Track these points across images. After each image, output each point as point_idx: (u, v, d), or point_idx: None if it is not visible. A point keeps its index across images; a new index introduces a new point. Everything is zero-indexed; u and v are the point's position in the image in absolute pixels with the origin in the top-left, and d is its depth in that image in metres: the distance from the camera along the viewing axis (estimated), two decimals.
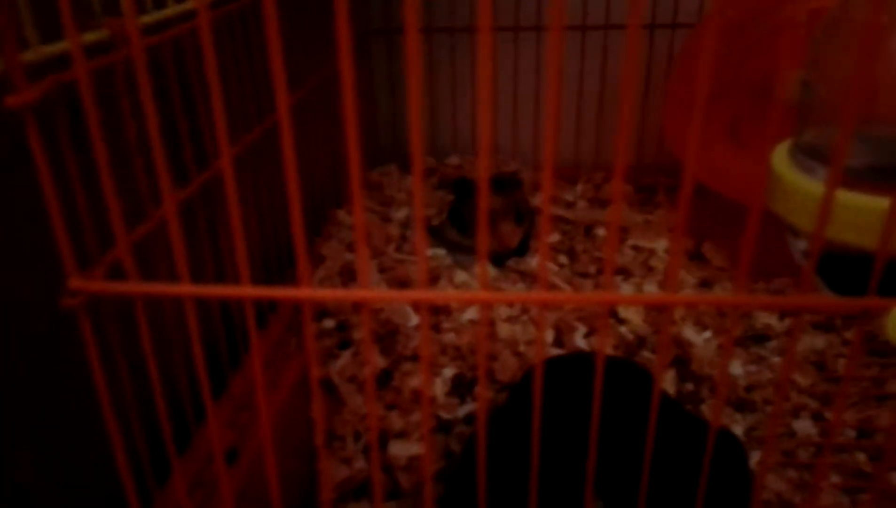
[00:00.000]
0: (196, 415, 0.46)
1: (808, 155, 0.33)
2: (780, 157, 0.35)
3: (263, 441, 0.30)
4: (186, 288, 0.28)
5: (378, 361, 0.59)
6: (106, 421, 0.30)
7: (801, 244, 0.34)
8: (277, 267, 0.63)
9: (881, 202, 0.29)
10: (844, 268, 0.34)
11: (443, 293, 0.28)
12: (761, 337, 0.74)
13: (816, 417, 0.65)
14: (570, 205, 0.88)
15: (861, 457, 0.60)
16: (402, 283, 0.67)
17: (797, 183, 0.32)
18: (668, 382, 0.64)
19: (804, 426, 0.64)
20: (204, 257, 0.50)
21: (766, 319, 0.75)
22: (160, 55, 0.42)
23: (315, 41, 0.72)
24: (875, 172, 0.32)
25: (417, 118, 0.23)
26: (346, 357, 0.59)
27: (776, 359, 0.71)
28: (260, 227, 0.59)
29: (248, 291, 0.28)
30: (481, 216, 0.26)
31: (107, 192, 0.27)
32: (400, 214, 0.80)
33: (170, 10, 0.44)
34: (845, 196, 0.30)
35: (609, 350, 0.65)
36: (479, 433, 0.30)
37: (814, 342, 0.73)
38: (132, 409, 0.38)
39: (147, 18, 0.40)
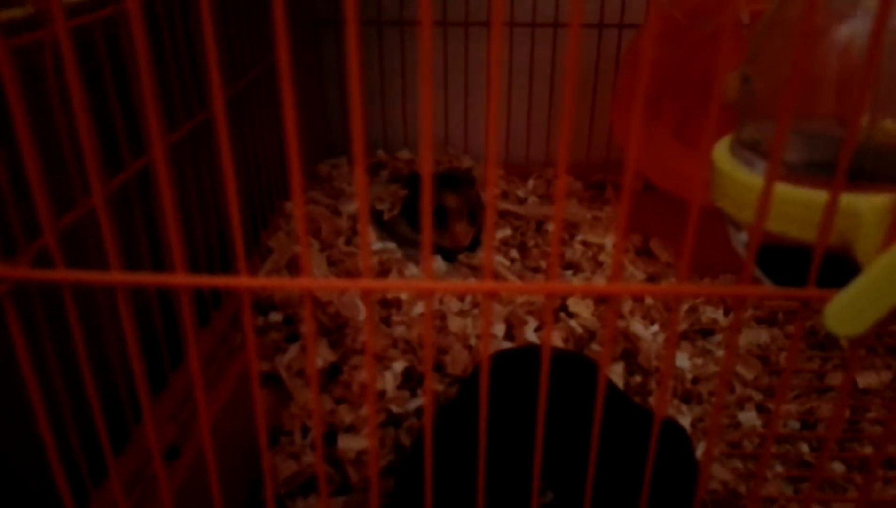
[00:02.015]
0: (135, 411, 0.45)
1: (748, 149, 0.33)
2: (721, 151, 0.35)
3: (203, 438, 0.29)
4: (117, 276, 0.26)
5: (327, 354, 0.58)
6: (36, 417, 0.28)
7: (743, 237, 0.35)
8: (223, 263, 0.61)
9: (819, 196, 0.29)
10: (785, 261, 0.34)
11: (386, 282, 0.27)
12: (707, 331, 0.76)
13: (760, 409, 0.66)
14: (521, 201, 0.89)
15: (804, 447, 0.62)
16: (352, 275, 0.66)
17: (737, 176, 0.32)
18: (616, 375, 0.65)
19: (749, 417, 0.65)
20: (140, 249, 0.48)
21: (712, 313, 0.77)
22: (92, 36, 0.40)
23: (259, 29, 0.70)
24: (812, 167, 0.33)
25: (358, 107, 0.23)
26: (293, 351, 0.58)
27: (721, 352, 0.72)
28: (203, 219, 0.58)
29: (183, 279, 0.27)
30: (426, 208, 0.25)
31: (32, 177, 0.26)
32: (350, 207, 0.79)
33: None
34: (784, 189, 0.30)
35: (559, 343, 0.65)
36: (426, 427, 0.29)
37: (758, 336, 0.75)
38: (64, 404, 0.36)
39: None
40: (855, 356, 0.30)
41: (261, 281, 0.27)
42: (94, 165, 0.25)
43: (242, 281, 0.26)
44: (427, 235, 0.26)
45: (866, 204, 0.28)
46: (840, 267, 0.30)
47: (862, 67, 0.34)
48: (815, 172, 0.32)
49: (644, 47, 0.23)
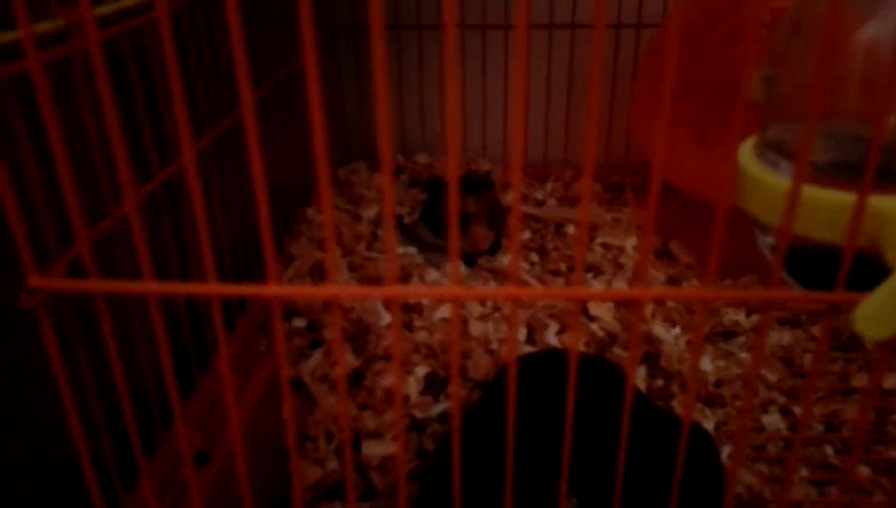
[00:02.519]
0: (164, 417, 0.45)
1: (773, 150, 0.33)
2: (746, 153, 0.35)
3: (233, 443, 0.30)
4: (150, 286, 0.27)
5: (350, 360, 0.58)
6: (69, 422, 0.29)
7: (769, 240, 0.34)
8: (247, 268, 0.62)
9: (847, 198, 0.29)
10: (812, 263, 0.34)
11: (413, 289, 0.28)
12: (729, 333, 0.75)
13: (784, 411, 0.66)
14: (540, 203, 0.88)
15: (829, 450, 0.61)
16: (373, 281, 0.66)
17: (762, 178, 0.32)
18: (638, 378, 0.65)
19: (773, 420, 0.64)
20: (169, 256, 0.49)
21: (734, 315, 0.76)
22: (119, 47, 0.41)
23: (280, 36, 0.71)
24: (839, 168, 0.33)
25: (386, 117, 0.23)
26: (317, 357, 0.59)
27: (744, 355, 0.72)
28: (228, 226, 0.58)
29: (215, 288, 0.27)
30: (452, 215, 0.25)
31: (65, 186, 0.26)
32: (370, 212, 0.79)
33: (129, 1, 0.43)
34: (811, 191, 0.30)
35: (580, 347, 0.65)
36: (454, 432, 0.29)
37: (781, 337, 0.74)
38: (97, 410, 0.37)
39: (105, 9, 0.39)
40: (883, 359, 0.29)
41: (290, 290, 0.27)
42: (127, 174, 0.26)
43: (272, 290, 0.27)
44: (454, 241, 0.26)
45: (895, 206, 0.28)
46: (868, 269, 0.30)
47: (888, 67, 0.34)
48: (841, 173, 0.32)
49: (666, 48, 0.23)
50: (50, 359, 0.28)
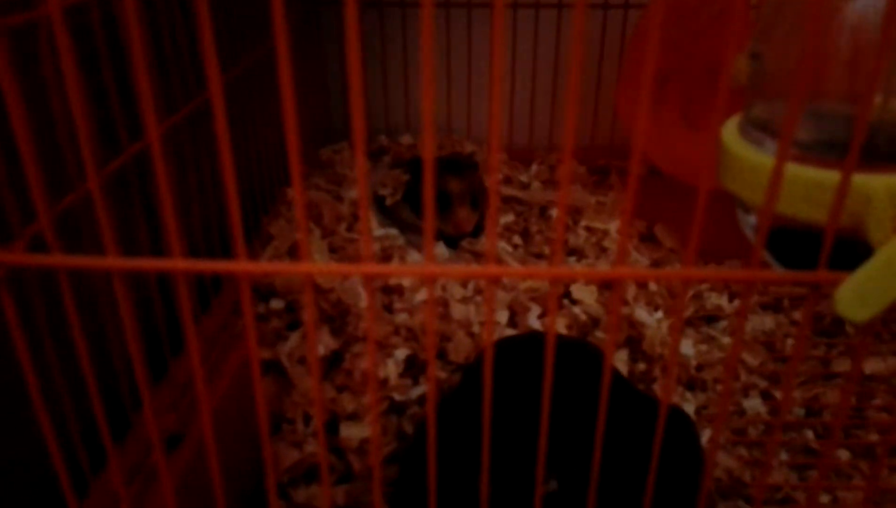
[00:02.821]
0: (135, 400, 0.44)
1: (758, 128, 0.33)
2: (730, 131, 0.35)
3: (204, 427, 0.29)
4: (113, 261, 0.26)
5: (328, 342, 0.58)
6: (34, 404, 0.28)
7: (751, 219, 0.34)
8: (224, 250, 0.61)
9: (831, 176, 0.29)
10: (795, 244, 0.33)
11: (388, 267, 0.27)
12: (711, 318, 0.75)
13: (765, 395, 0.66)
14: (524, 186, 0.88)
15: (809, 434, 0.61)
16: (354, 261, 0.65)
17: (746, 156, 0.32)
18: (620, 362, 0.65)
19: (753, 404, 0.64)
20: (139, 235, 0.47)
21: (717, 300, 0.76)
22: (87, 16, 0.40)
23: (260, 13, 0.69)
24: (824, 147, 0.32)
25: (359, 94, 0.22)
26: (295, 339, 0.58)
27: (726, 339, 0.72)
28: (202, 205, 0.57)
29: (180, 264, 0.26)
30: (427, 191, 0.24)
31: (26, 160, 0.25)
32: (351, 193, 0.78)
33: None
34: (795, 170, 0.29)
35: (562, 330, 0.64)
36: (429, 414, 0.29)
37: (763, 322, 0.74)
38: (63, 391, 0.36)
39: None
40: (864, 344, 0.29)
41: (260, 266, 0.26)
42: (89, 147, 0.25)
43: (241, 266, 0.26)
44: (430, 220, 0.25)
45: (879, 185, 0.27)
46: (850, 250, 0.29)
47: (875, 45, 0.33)
48: (825, 151, 0.31)
49: (650, 28, 0.22)
50: (11, 337, 0.27)
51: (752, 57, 0.33)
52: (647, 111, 0.24)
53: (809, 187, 0.29)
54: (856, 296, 0.27)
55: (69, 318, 0.27)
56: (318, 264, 0.26)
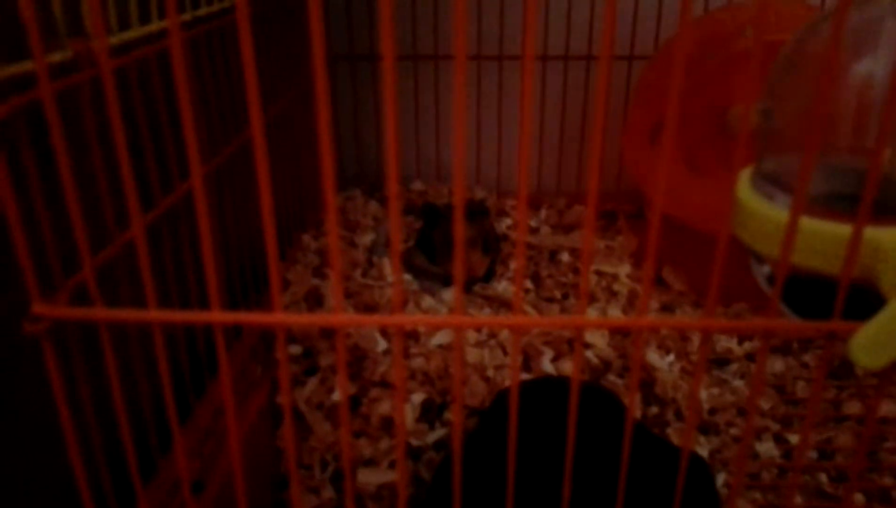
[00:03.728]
0: (161, 445, 0.45)
1: (769, 182, 0.34)
2: (742, 184, 0.36)
3: (233, 466, 0.29)
4: (154, 314, 0.27)
5: (346, 387, 0.58)
6: (69, 450, 0.29)
7: (765, 269, 0.35)
8: (241, 293, 0.62)
9: (843, 229, 0.30)
10: (805, 291, 0.34)
11: (416, 318, 0.28)
12: (722, 361, 0.75)
13: (778, 439, 0.66)
14: (534, 231, 0.89)
15: (823, 478, 0.61)
16: (370, 308, 0.66)
17: (759, 209, 0.33)
18: (633, 405, 0.65)
19: (766, 448, 0.65)
20: (168, 283, 0.49)
21: (727, 343, 0.77)
22: (125, 77, 0.41)
23: (282, 63, 0.71)
24: (833, 200, 0.33)
25: (395, 145, 0.23)
26: (312, 384, 0.59)
27: (738, 382, 0.72)
28: (223, 251, 0.58)
29: (219, 316, 0.27)
30: (458, 243, 0.26)
31: (72, 214, 0.26)
32: (365, 239, 0.79)
33: (133, 32, 0.43)
34: (807, 222, 0.30)
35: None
36: (455, 459, 0.29)
37: (773, 365, 0.75)
38: (96, 438, 0.37)
39: (112, 40, 0.39)
40: (881, 389, 0.30)
41: (295, 318, 0.27)
42: (134, 200, 0.26)
43: (277, 318, 0.27)
44: (459, 269, 0.26)
45: (889, 237, 0.28)
46: (862, 298, 0.30)
47: (881, 101, 0.35)
48: (835, 204, 0.33)
49: (673, 77, 0.23)
50: (52, 385, 0.28)
51: (763, 113, 0.35)
52: (666, 163, 0.25)
53: (822, 240, 0.30)
54: (870, 344, 0.28)
55: (106, 366, 0.28)
56: (352, 316, 0.27)
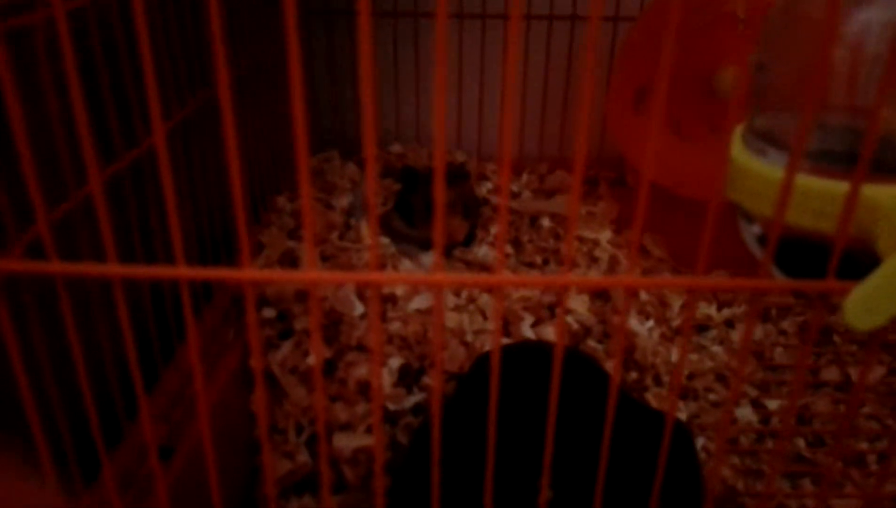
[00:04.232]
0: (127, 409, 0.43)
1: (761, 139, 0.33)
2: (733, 141, 0.35)
3: (202, 433, 0.28)
4: (114, 268, 0.25)
5: (321, 351, 0.57)
6: (26, 413, 0.27)
7: (755, 229, 0.34)
8: (213, 256, 0.60)
9: (838, 186, 0.29)
10: (796, 257, 0.33)
11: (395, 275, 0.27)
12: (702, 327, 0.75)
13: (756, 404, 0.66)
14: (515, 196, 0.88)
15: (801, 443, 0.61)
16: (346, 270, 0.65)
17: (751, 166, 0.32)
18: (613, 371, 0.64)
19: (745, 413, 0.65)
20: (133, 241, 0.47)
21: (706, 309, 0.76)
22: (84, 20, 0.39)
23: (254, 21, 0.69)
24: (825, 157, 0.32)
25: (371, 106, 0.22)
26: (287, 348, 0.57)
27: (716, 348, 0.72)
28: (193, 213, 0.56)
29: (184, 271, 0.25)
30: (439, 202, 0.24)
31: (25, 166, 0.24)
32: (342, 201, 0.77)
33: None
34: (802, 180, 0.29)
35: (554, 339, 0.64)
36: (434, 422, 0.28)
37: (752, 331, 0.75)
38: (56, 400, 0.35)
39: None
40: (871, 356, 0.29)
41: (266, 274, 0.26)
42: (91, 150, 0.24)
43: (246, 274, 0.25)
44: (440, 227, 0.25)
45: (887, 196, 0.27)
46: (849, 263, 0.29)
47: (877, 57, 0.33)
48: (829, 162, 0.31)
49: (665, 40, 0.22)
50: (6, 344, 0.26)
51: (757, 67, 0.33)
52: (655, 129, 0.24)
53: (817, 198, 0.29)
54: (864, 305, 0.27)
55: (65, 325, 0.26)
56: (326, 272, 0.26)
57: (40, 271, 0.26)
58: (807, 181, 0.29)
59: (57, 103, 0.35)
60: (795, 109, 0.33)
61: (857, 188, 0.24)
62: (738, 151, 0.33)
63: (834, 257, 0.26)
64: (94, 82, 0.41)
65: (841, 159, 0.32)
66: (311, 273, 0.25)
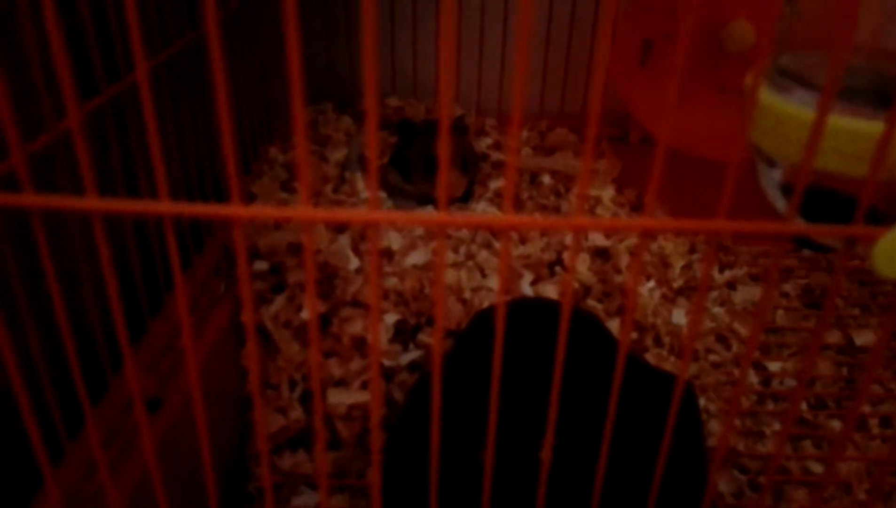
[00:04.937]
0: (112, 361, 0.42)
1: (785, 77, 0.31)
2: (753, 80, 0.33)
3: (190, 385, 0.26)
4: (93, 202, 0.23)
5: (316, 305, 0.55)
6: (5, 362, 0.25)
7: (776, 175, 0.32)
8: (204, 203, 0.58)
9: (868, 126, 0.27)
10: (817, 210, 0.32)
11: (394, 214, 0.25)
12: None
13: (757, 366, 0.65)
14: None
15: (802, 406, 0.60)
16: (341, 223, 0.63)
17: (775, 105, 0.30)
18: (612, 331, 0.63)
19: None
20: (115, 182, 0.45)
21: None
22: None
23: None
24: (852, 96, 0.30)
25: (372, 58, 0.20)
26: (280, 302, 0.55)
27: (717, 309, 0.71)
28: (180, 159, 0.54)
29: (168, 207, 0.24)
30: (443, 148, 0.22)
31: None
32: (337, 154, 0.75)
33: None
34: (831, 120, 0.27)
35: (554, 297, 0.63)
36: (435, 377, 0.27)
37: (752, 293, 0.74)
38: (37, 349, 0.33)
39: None
40: (891, 319, 0.27)
41: (257, 210, 0.24)
42: (69, 81, 0.22)
43: (237, 210, 0.24)
44: (445, 170, 0.23)
45: None
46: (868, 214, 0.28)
47: None
48: (854, 102, 0.30)
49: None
50: None
51: (788, 1, 0.31)
52: (673, 100, 0.22)
53: (847, 140, 0.27)
54: (893, 252, 0.25)
55: (43, 265, 0.24)
56: (320, 210, 0.24)
57: (14, 204, 0.24)
58: (836, 121, 0.27)
59: (34, 34, 0.33)
60: (823, 47, 0.31)
61: (892, 129, 0.23)
62: (761, 89, 0.31)
63: (863, 202, 0.24)
64: (76, 18, 0.38)
65: (866, 99, 0.30)
66: (305, 211, 0.23)
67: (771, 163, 0.32)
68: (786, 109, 0.28)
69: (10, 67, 0.35)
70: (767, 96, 0.30)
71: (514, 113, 0.23)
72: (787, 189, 0.31)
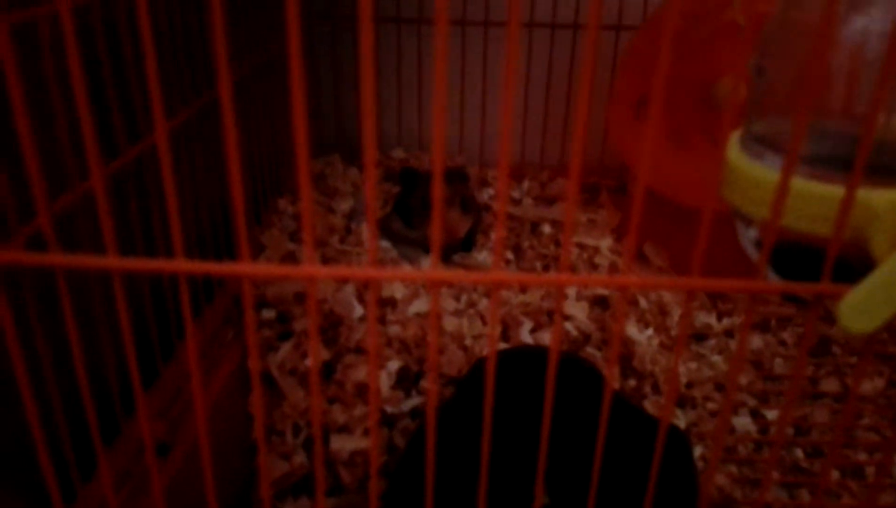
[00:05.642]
0: (125, 406, 0.44)
1: (759, 142, 0.33)
2: (731, 145, 0.35)
3: (199, 430, 0.28)
4: (114, 261, 0.25)
5: (320, 353, 0.57)
6: (25, 407, 0.27)
7: (752, 233, 0.34)
8: (214, 257, 0.60)
9: (834, 190, 0.29)
10: (793, 263, 0.34)
11: (392, 272, 0.27)
12: (700, 336, 0.75)
13: (755, 414, 0.66)
14: (516, 202, 0.88)
15: (799, 453, 0.61)
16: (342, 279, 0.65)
17: (748, 169, 0.32)
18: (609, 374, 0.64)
19: (743, 422, 0.64)
20: (134, 240, 0.47)
21: (706, 318, 0.76)
22: (87, 17, 0.39)
23: (257, 22, 0.69)
24: (822, 161, 0.32)
25: (371, 111, 0.22)
26: (286, 349, 0.57)
27: (715, 358, 0.72)
28: (194, 215, 0.56)
29: (183, 265, 0.26)
30: (436, 202, 0.24)
31: (28, 158, 0.25)
32: (344, 205, 0.78)
33: None
34: (798, 184, 0.30)
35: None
36: (429, 424, 0.28)
37: (752, 342, 0.75)
38: (54, 394, 0.35)
39: None
40: (866, 359, 0.29)
41: (263, 268, 0.26)
42: (93, 144, 0.24)
43: (245, 268, 0.26)
44: (437, 226, 0.25)
45: (882, 199, 0.27)
46: (843, 268, 0.29)
47: (876, 63, 0.34)
48: (825, 166, 0.32)
49: (662, 49, 0.22)
50: (5, 337, 0.26)
51: (756, 72, 0.33)
52: (651, 134, 0.24)
53: (813, 202, 0.29)
54: (859, 308, 0.27)
55: (65, 318, 0.26)
56: (323, 267, 0.26)
57: (40, 263, 0.26)
58: (803, 185, 0.29)
59: (61, 99, 0.35)
60: (793, 113, 0.33)
61: (852, 192, 0.24)
62: (736, 154, 0.33)
63: (829, 260, 0.26)
64: (99, 81, 0.41)
65: (838, 164, 0.32)
66: (309, 268, 0.25)
67: (747, 222, 0.34)
68: (757, 174, 0.31)
69: (37, 127, 0.37)
70: (741, 161, 0.32)
71: (501, 158, 0.25)
72: (761, 245, 0.33)
